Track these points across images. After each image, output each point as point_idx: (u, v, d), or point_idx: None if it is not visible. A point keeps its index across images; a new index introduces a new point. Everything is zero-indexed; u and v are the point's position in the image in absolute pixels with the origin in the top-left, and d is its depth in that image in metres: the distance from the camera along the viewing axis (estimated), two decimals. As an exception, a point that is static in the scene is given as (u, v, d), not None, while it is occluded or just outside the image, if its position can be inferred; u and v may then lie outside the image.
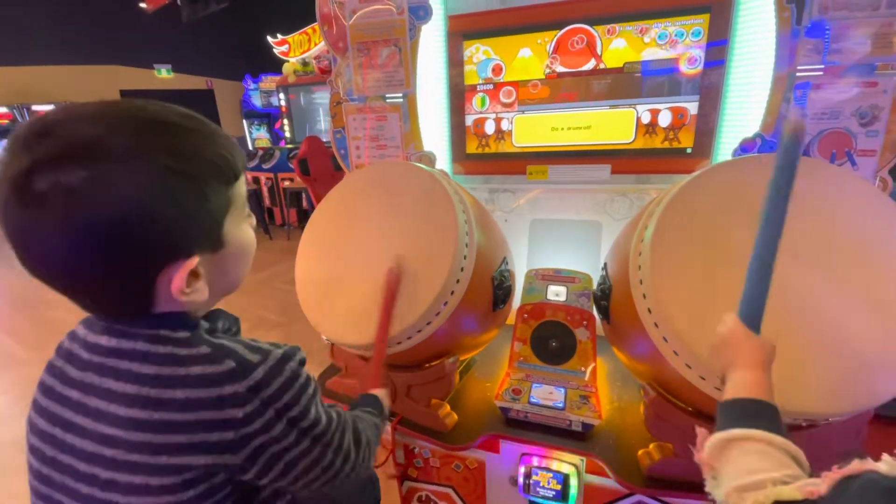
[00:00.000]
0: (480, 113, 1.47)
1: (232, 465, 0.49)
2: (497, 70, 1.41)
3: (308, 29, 5.73)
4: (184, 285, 0.48)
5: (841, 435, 0.81)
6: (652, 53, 1.25)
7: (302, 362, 0.55)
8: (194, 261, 0.48)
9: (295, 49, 5.94)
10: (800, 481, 0.45)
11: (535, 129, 1.42)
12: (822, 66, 1.07)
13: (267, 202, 6.14)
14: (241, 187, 0.54)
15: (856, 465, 0.42)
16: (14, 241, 0.44)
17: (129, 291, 0.48)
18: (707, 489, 0.54)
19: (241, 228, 0.55)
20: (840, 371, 0.68)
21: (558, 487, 0.98)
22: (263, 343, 0.54)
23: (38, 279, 0.46)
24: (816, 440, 0.81)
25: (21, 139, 0.42)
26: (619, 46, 1.28)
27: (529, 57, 1.37)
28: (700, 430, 0.58)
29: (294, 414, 0.52)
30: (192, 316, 0.53)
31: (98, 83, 7.90)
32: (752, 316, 0.60)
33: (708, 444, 0.55)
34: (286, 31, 5.95)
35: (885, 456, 0.43)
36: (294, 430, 0.53)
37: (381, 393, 0.88)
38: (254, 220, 0.60)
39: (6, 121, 6.94)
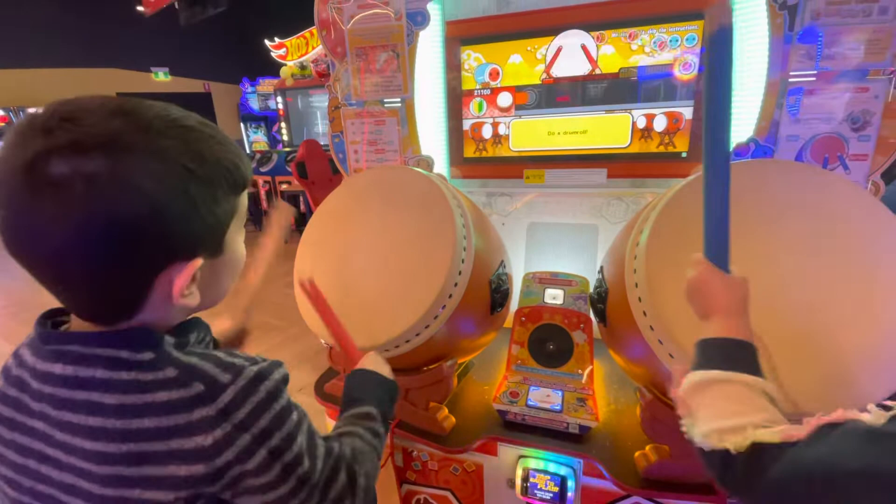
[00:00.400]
0: (478, 117, 1.48)
1: (210, 495, 0.45)
2: (494, 75, 1.42)
3: (306, 33, 5.75)
4: (184, 285, 0.46)
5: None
6: (647, 59, 1.27)
7: (283, 380, 0.51)
8: (197, 262, 0.47)
9: (292, 52, 5.96)
10: (780, 426, 0.45)
11: (531, 134, 1.43)
12: (815, 72, 1.09)
13: (264, 205, 6.14)
14: (245, 198, 0.54)
15: (839, 414, 0.43)
16: (12, 225, 0.41)
17: (127, 288, 0.45)
18: (684, 428, 0.53)
19: (238, 239, 0.55)
20: (828, 373, 0.69)
21: (556, 490, 0.99)
22: (239, 358, 0.49)
23: (27, 268, 0.43)
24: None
25: (38, 124, 0.40)
26: (614, 52, 1.29)
27: (526, 62, 1.38)
28: (675, 368, 0.58)
29: (276, 444, 0.47)
30: (158, 331, 0.49)
31: (95, 86, 7.89)
32: (719, 253, 0.59)
33: (686, 382, 0.54)
34: (284, 35, 5.97)
35: (871, 406, 0.44)
36: (277, 465, 0.48)
37: (370, 363, 0.80)
38: (244, 232, 0.58)
39: (3, 123, 6.93)
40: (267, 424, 0.47)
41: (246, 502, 0.48)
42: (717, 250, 0.60)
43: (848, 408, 0.63)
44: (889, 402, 0.43)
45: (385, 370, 0.82)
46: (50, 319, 0.50)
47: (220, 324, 0.89)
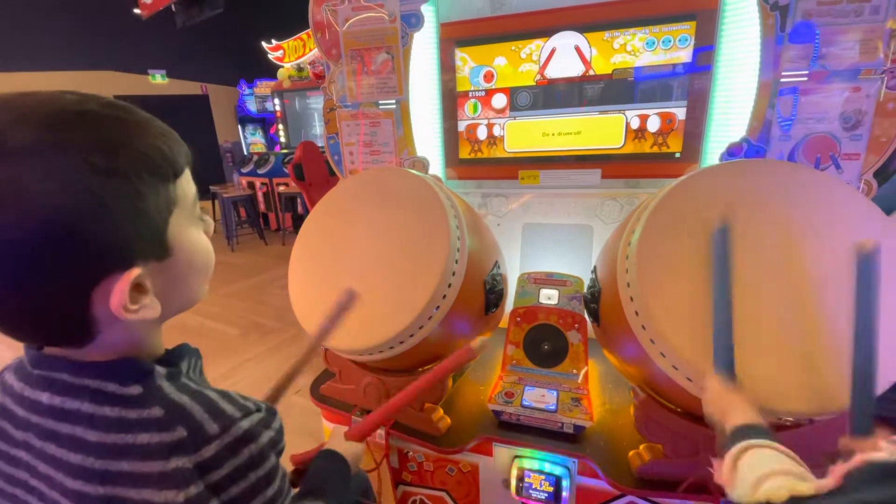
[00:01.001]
0: (473, 119, 1.48)
1: None
2: (488, 77, 1.43)
3: (303, 34, 5.75)
4: (125, 300, 0.40)
5: (827, 434, 0.82)
6: (640, 60, 1.27)
7: (271, 443, 0.46)
8: (134, 272, 0.40)
9: (290, 54, 5.96)
10: (813, 482, 0.48)
11: (526, 135, 1.44)
12: (807, 72, 1.09)
13: (262, 207, 6.15)
14: (188, 186, 0.47)
15: (857, 459, 0.45)
16: None
17: (63, 314, 0.40)
18: (733, 500, 0.57)
19: (192, 233, 0.48)
20: (824, 371, 0.70)
21: (550, 489, 0.99)
22: (233, 405, 0.45)
23: None
24: (802, 439, 0.82)
25: None
26: (607, 53, 1.30)
27: (520, 64, 1.38)
28: (716, 462, 0.62)
29: None
30: (147, 358, 0.46)
31: (92, 89, 7.63)
32: (727, 368, 0.68)
33: (726, 461, 0.59)
34: (281, 37, 5.97)
35: (883, 443, 0.46)
36: None
37: (350, 454, 0.75)
38: (211, 226, 0.53)
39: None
40: (239, 493, 0.44)
41: None
42: (726, 367, 0.69)
43: (845, 406, 0.64)
44: None
45: (355, 466, 0.78)
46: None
47: None
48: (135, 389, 0.43)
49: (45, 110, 0.38)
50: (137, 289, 0.42)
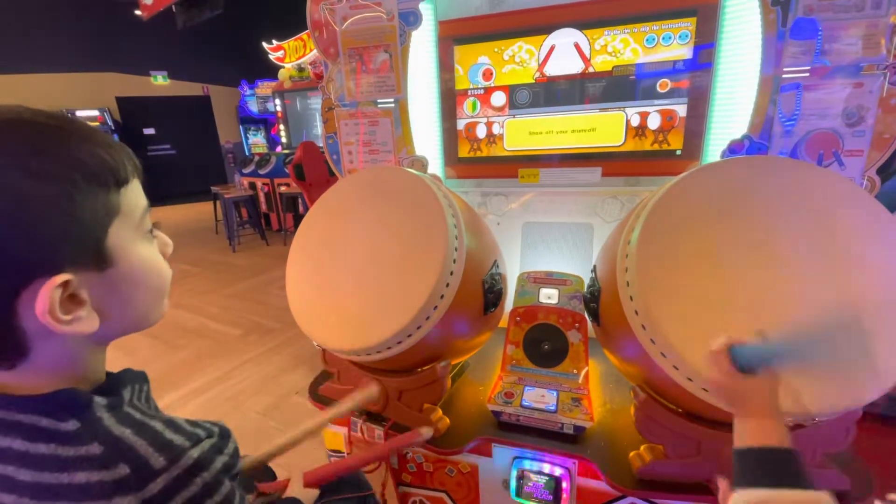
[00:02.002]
0: (472, 117, 1.47)
1: None
2: (487, 74, 1.42)
3: (303, 35, 5.75)
4: (51, 307, 0.38)
5: (829, 435, 0.81)
6: (640, 56, 1.26)
7: (225, 469, 0.45)
8: (59, 279, 0.38)
9: (290, 55, 5.96)
10: None
11: (525, 133, 1.43)
12: (808, 68, 1.08)
13: (264, 207, 6.15)
14: (135, 198, 0.46)
15: None
16: None
17: None
18: None
19: (140, 247, 0.46)
20: (825, 372, 0.69)
21: (551, 490, 0.98)
22: (180, 434, 0.43)
23: None
24: (805, 440, 0.81)
25: None
26: (608, 50, 1.29)
27: (519, 61, 1.37)
28: (721, 483, 0.56)
29: None
30: (87, 385, 0.44)
31: (94, 90, 7.92)
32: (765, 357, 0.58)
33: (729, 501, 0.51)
34: (281, 37, 5.97)
35: (892, 496, 0.44)
36: None
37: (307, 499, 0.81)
38: (168, 245, 0.52)
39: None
40: None
41: None
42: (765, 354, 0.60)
43: (846, 407, 0.63)
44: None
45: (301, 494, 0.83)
46: None
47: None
48: (71, 425, 0.40)
49: None
50: (72, 299, 0.40)
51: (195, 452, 0.43)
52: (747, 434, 0.55)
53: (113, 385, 0.46)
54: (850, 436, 0.82)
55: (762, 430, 0.54)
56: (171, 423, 0.44)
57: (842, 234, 0.75)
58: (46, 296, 0.38)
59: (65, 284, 0.39)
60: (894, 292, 0.70)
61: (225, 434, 0.47)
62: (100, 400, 0.43)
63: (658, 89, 1.27)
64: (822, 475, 0.84)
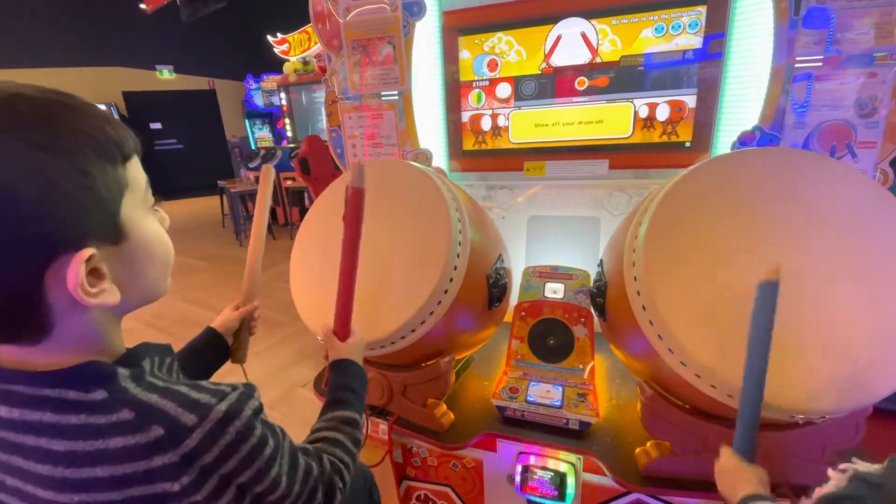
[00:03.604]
0: (476, 109, 1.46)
1: None
2: (492, 65, 1.40)
3: (308, 27, 5.72)
4: (82, 280, 0.39)
5: (839, 431, 0.80)
6: (649, 46, 1.24)
7: (255, 414, 0.48)
8: (86, 252, 0.39)
9: (295, 48, 5.94)
10: None
11: (531, 125, 1.41)
12: (821, 57, 1.05)
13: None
14: (138, 173, 0.47)
15: (815, 494, 0.50)
16: None
17: (17, 300, 0.39)
18: None
19: (147, 221, 0.48)
20: (836, 368, 0.67)
21: (556, 486, 0.98)
22: (206, 393, 0.45)
23: None
24: (815, 437, 0.80)
25: None
26: (615, 39, 1.26)
27: (525, 52, 1.35)
28: None
29: (244, 480, 0.46)
30: (108, 359, 0.45)
31: (100, 85, 7.94)
32: (746, 449, 0.67)
33: None
34: (286, 30, 5.95)
35: (831, 472, 0.50)
36: (247, 497, 0.47)
37: (354, 352, 0.79)
38: (166, 220, 0.52)
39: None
40: (236, 466, 0.45)
41: None
42: (746, 448, 0.67)
43: (857, 404, 0.62)
44: (843, 465, 0.49)
45: (362, 358, 0.82)
46: None
47: (223, 314, 0.91)
48: (99, 395, 0.42)
49: None
50: (94, 273, 0.41)
51: (223, 406, 0.45)
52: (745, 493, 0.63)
53: (133, 357, 0.48)
54: (860, 432, 0.81)
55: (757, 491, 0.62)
56: (195, 386, 0.46)
57: (856, 230, 0.73)
58: (77, 269, 0.39)
59: (88, 259, 0.40)
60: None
61: (251, 386, 0.49)
62: (123, 371, 0.44)
63: (666, 79, 1.25)
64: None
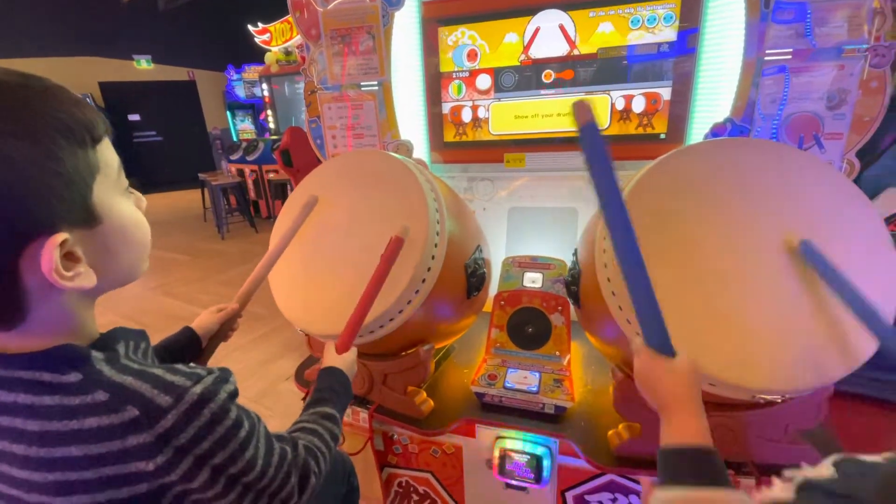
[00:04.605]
0: (457, 100, 1.46)
1: None
2: (472, 56, 1.40)
3: (289, 17, 5.62)
4: (57, 265, 0.40)
5: (801, 411, 0.83)
6: (625, 38, 1.25)
7: (231, 396, 0.48)
8: (59, 237, 0.40)
9: (277, 38, 5.83)
10: None
11: (511, 117, 1.42)
12: (790, 50, 1.08)
13: (252, 194, 6.08)
14: (110, 155, 0.46)
15: (762, 496, 0.46)
16: None
17: None
18: None
19: (122, 204, 0.48)
20: (795, 350, 0.70)
21: (532, 469, 1.00)
22: (180, 375, 0.45)
23: None
24: (776, 417, 0.83)
25: None
26: (593, 32, 1.28)
27: (504, 43, 1.36)
28: (644, 482, 0.58)
29: (219, 461, 0.46)
30: (82, 342, 0.46)
31: (76, 75, 7.71)
32: (659, 338, 0.57)
33: (654, 502, 0.51)
34: (267, 20, 5.84)
35: (775, 480, 0.46)
36: (221, 478, 0.47)
37: (346, 365, 0.83)
38: (143, 202, 0.53)
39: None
40: (211, 447, 0.45)
41: None
42: (657, 335, 0.57)
43: (815, 384, 0.63)
44: (789, 473, 0.43)
45: (353, 376, 0.85)
46: None
47: (204, 316, 0.91)
48: (73, 377, 0.42)
49: None
50: (69, 256, 0.42)
51: (198, 388, 0.45)
52: (671, 434, 0.55)
53: (107, 340, 0.48)
54: (821, 412, 0.84)
55: (685, 430, 0.54)
56: (170, 369, 0.46)
57: (816, 217, 0.76)
58: (50, 253, 0.39)
59: (62, 243, 0.40)
60: (866, 268, 0.72)
61: (226, 370, 0.50)
62: (97, 354, 0.44)
63: (642, 72, 1.27)
64: (791, 451, 0.86)
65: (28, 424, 0.41)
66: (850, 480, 0.39)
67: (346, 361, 0.84)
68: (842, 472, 0.40)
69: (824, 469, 0.42)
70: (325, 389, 0.78)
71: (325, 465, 0.65)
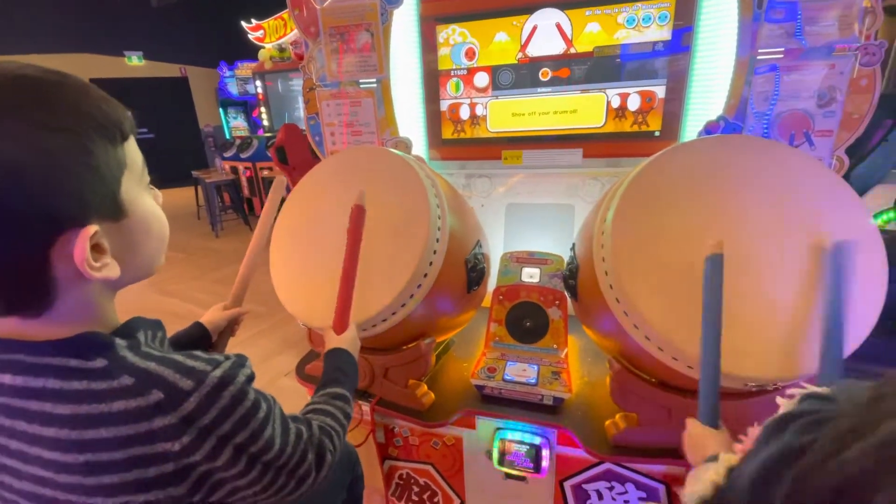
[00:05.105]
0: (455, 98, 1.48)
1: (177, 496, 0.45)
2: (470, 54, 1.42)
3: (283, 14, 5.59)
4: (88, 256, 0.41)
5: (791, 400, 0.86)
6: (621, 37, 1.27)
7: (249, 379, 0.50)
8: (91, 228, 0.42)
9: (270, 34, 5.81)
10: (739, 451, 0.52)
11: (508, 114, 1.44)
12: (782, 50, 1.11)
13: (246, 192, 6.05)
14: (135, 152, 0.49)
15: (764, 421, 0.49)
16: None
17: (21, 273, 0.41)
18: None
19: (145, 199, 0.50)
20: (785, 339, 0.73)
21: (531, 459, 1.02)
22: (200, 361, 0.47)
23: None
24: (769, 404, 0.86)
25: None
26: (589, 31, 1.30)
27: (502, 41, 1.37)
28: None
29: (240, 440, 0.48)
30: (105, 332, 0.47)
31: (66, 71, 7.62)
32: (709, 416, 0.70)
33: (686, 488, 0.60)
34: (260, 16, 5.80)
35: (779, 399, 0.49)
36: (243, 457, 0.48)
37: (348, 343, 0.84)
38: (160, 198, 0.55)
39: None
40: (232, 427, 0.47)
41: (213, 489, 0.47)
42: (710, 417, 0.70)
43: (806, 373, 0.67)
44: (794, 390, 0.48)
45: (357, 353, 0.86)
46: None
47: (212, 312, 0.92)
48: (99, 363, 0.44)
49: None
50: (96, 248, 0.43)
51: (217, 372, 0.47)
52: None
53: (128, 329, 0.49)
54: (810, 400, 0.87)
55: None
56: (189, 355, 0.48)
57: (806, 210, 0.78)
58: (84, 244, 0.41)
59: (92, 234, 0.42)
60: (856, 262, 0.74)
61: (243, 356, 0.52)
62: (120, 341, 0.46)
63: (638, 70, 1.29)
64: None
65: (58, 408, 0.42)
66: (846, 390, 0.43)
67: (347, 340, 0.85)
68: (839, 386, 0.45)
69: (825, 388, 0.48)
70: (333, 370, 0.80)
71: (340, 444, 0.67)
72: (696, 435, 0.70)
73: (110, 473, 0.42)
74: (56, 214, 0.40)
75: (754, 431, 0.48)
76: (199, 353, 0.49)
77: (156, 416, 0.43)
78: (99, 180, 0.43)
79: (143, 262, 0.51)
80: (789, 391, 0.48)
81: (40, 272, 0.41)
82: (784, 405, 0.46)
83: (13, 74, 0.40)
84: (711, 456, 0.62)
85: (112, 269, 0.45)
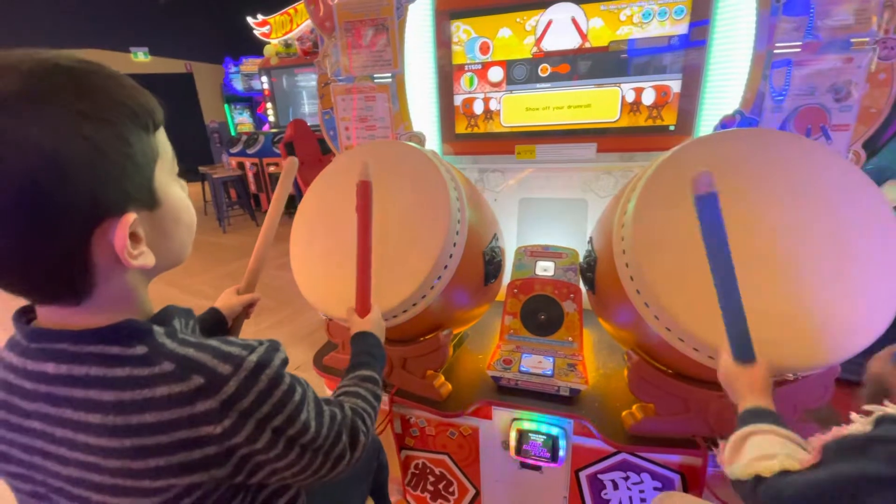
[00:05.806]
0: (469, 93, 1.48)
1: (220, 478, 0.46)
2: (484, 49, 1.42)
3: (290, 9, 5.59)
4: (127, 244, 0.42)
5: (810, 390, 0.87)
6: (636, 32, 1.28)
7: (283, 364, 0.51)
8: (131, 216, 0.42)
9: (276, 30, 5.80)
10: (800, 459, 0.54)
11: (522, 109, 1.44)
12: (800, 44, 1.11)
13: (253, 188, 6.07)
14: (165, 142, 0.50)
15: (833, 432, 0.51)
16: None
17: (64, 261, 0.41)
18: (726, 473, 0.62)
19: (175, 188, 0.51)
20: (807, 329, 0.74)
21: (548, 449, 1.04)
22: (236, 346, 0.48)
23: None
24: (787, 397, 0.87)
25: None
26: (604, 25, 1.30)
27: (517, 36, 1.38)
28: (721, 442, 0.68)
29: (278, 423, 0.49)
30: (143, 319, 0.48)
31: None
32: (743, 350, 0.69)
33: (729, 442, 0.64)
34: (267, 12, 5.80)
35: (854, 415, 0.50)
36: (281, 440, 0.49)
37: (373, 325, 0.85)
38: (186, 188, 0.55)
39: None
40: (270, 410, 0.48)
41: (253, 471, 0.49)
42: (742, 350, 0.69)
43: (827, 362, 0.67)
44: (870, 407, 0.49)
45: (383, 335, 0.87)
46: (25, 316, 0.48)
47: (226, 297, 0.93)
48: (140, 349, 0.45)
49: (26, 64, 0.39)
50: (132, 237, 0.44)
51: (253, 357, 0.48)
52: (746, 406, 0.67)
53: (165, 316, 0.50)
54: (828, 392, 0.88)
55: (755, 402, 0.66)
56: (224, 341, 0.49)
57: (827, 202, 0.79)
58: (124, 232, 0.42)
59: (131, 223, 0.43)
60: (877, 252, 0.75)
61: (276, 342, 0.53)
62: (158, 328, 0.47)
63: (652, 65, 1.29)
64: (801, 429, 0.90)
65: (103, 395, 0.43)
66: None
67: (371, 322, 0.86)
68: None
69: None
70: (361, 353, 0.81)
71: (372, 425, 0.68)
72: (727, 373, 0.70)
73: (157, 456, 0.43)
74: (98, 203, 0.41)
75: (817, 442, 0.49)
76: (233, 339, 0.50)
77: (197, 400, 0.44)
78: (136, 169, 0.44)
79: (174, 250, 0.52)
80: (866, 407, 0.49)
81: (82, 260, 0.42)
82: (858, 422, 0.47)
83: (50, 63, 0.40)
84: (745, 412, 0.65)
85: (148, 258, 0.46)
